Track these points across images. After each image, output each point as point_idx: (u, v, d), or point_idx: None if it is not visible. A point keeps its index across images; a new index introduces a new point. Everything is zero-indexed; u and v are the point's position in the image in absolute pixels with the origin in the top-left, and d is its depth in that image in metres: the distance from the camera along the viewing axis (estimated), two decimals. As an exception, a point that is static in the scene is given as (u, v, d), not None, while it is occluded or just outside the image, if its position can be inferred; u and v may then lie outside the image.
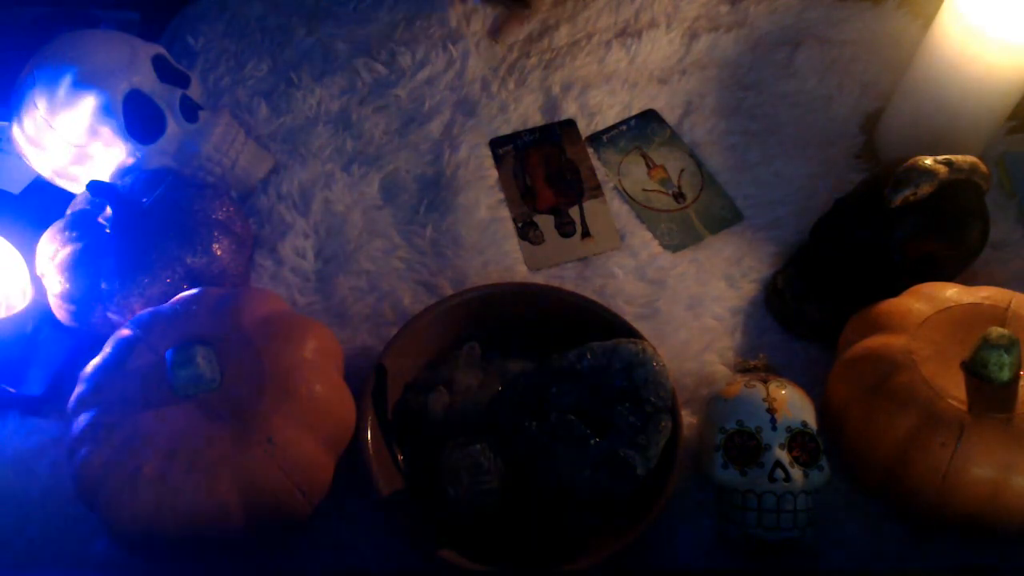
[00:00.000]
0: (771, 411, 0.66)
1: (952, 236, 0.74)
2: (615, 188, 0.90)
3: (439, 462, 0.67)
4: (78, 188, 0.85)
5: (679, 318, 0.81)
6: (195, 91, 0.89)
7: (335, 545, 0.69)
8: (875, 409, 0.65)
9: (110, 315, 0.74)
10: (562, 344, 0.69)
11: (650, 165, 0.92)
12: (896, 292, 0.72)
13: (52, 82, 0.79)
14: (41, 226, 0.80)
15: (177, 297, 0.71)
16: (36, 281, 0.79)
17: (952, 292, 0.69)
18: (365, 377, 0.71)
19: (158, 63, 0.85)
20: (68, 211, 0.82)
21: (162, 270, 0.74)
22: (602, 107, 0.96)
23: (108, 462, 0.62)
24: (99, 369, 0.67)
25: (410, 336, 0.73)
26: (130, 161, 0.83)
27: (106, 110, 0.79)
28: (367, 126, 0.95)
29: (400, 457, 0.70)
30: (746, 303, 0.82)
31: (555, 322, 0.75)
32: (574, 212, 0.89)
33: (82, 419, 0.64)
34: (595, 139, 0.94)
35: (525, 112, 0.96)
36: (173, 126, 0.84)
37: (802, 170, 0.90)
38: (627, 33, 1.02)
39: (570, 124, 0.95)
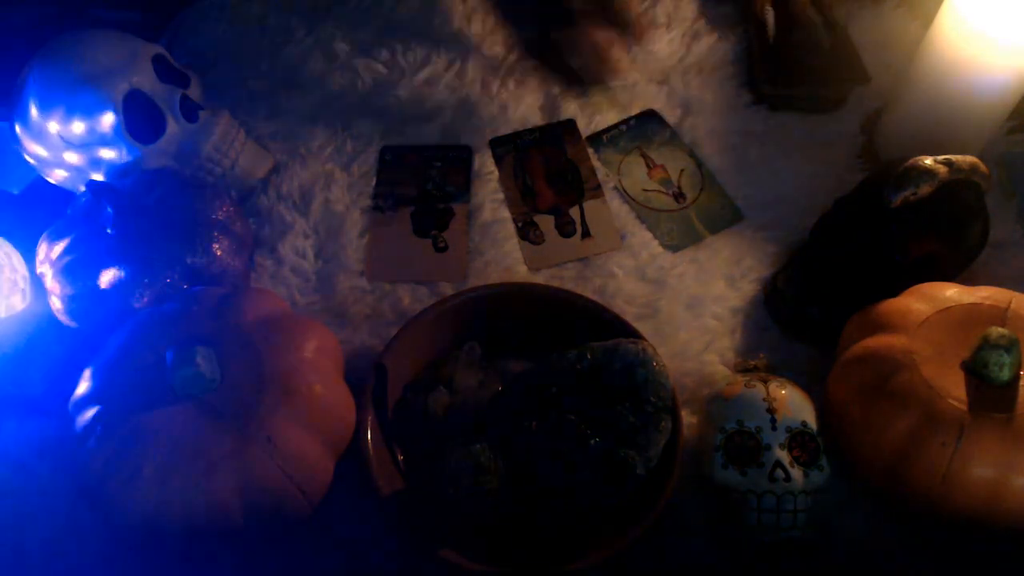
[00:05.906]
0: (771, 411, 0.66)
1: (952, 236, 0.74)
2: (615, 188, 0.90)
3: (439, 462, 0.67)
4: (78, 188, 0.85)
5: (679, 318, 0.81)
6: (195, 91, 0.89)
7: (335, 545, 0.69)
8: (875, 409, 0.65)
9: (110, 315, 0.74)
10: (562, 344, 0.69)
11: (650, 165, 0.92)
12: (896, 292, 0.72)
13: (52, 82, 0.79)
14: (41, 226, 0.80)
15: (177, 297, 0.71)
16: (36, 281, 0.79)
17: (952, 292, 0.69)
18: (365, 377, 0.71)
19: (158, 63, 0.85)
20: (68, 211, 0.82)
21: (162, 270, 0.74)
22: (602, 107, 0.96)
23: (108, 462, 0.62)
24: (99, 369, 0.67)
25: (410, 336, 0.73)
26: (130, 161, 0.83)
27: (106, 110, 0.79)
28: (367, 126, 0.95)
29: (400, 457, 0.70)
30: (746, 303, 0.82)
31: (555, 322, 0.75)
32: (574, 212, 0.89)
33: (83, 419, 0.64)
34: (595, 139, 0.94)
35: (525, 112, 0.96)
36: (173, 126, 0.84)
37: (802, 170, 0.90)
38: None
39: (570, 124, 0.95)
